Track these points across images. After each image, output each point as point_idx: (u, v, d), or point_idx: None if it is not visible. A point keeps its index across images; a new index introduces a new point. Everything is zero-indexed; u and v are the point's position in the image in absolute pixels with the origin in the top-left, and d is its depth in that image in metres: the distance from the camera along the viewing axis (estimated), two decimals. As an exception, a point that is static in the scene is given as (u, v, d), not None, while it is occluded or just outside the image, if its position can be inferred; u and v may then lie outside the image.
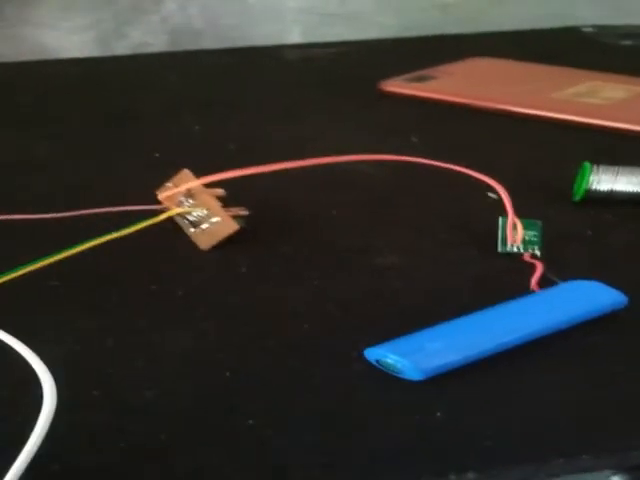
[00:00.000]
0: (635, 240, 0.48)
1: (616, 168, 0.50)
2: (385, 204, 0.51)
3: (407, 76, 0.70)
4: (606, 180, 0.50)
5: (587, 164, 0.50)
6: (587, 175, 0.50)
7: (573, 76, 0.70)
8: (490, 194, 0.46)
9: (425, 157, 0.49)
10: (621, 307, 0.40)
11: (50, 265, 0.41)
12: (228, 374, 0.36)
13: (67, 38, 0.85)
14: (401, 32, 0.87)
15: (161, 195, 0.47)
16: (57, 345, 0.38)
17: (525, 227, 0.46)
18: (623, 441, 0.33)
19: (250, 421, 0.34)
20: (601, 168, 0.50)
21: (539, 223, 0.47)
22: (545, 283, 0.42)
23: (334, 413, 0.34)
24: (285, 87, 0.71)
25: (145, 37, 0.86)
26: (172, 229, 0.47)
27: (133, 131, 0.63)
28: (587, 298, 0.40)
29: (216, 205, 0.46)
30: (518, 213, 0.46)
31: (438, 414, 0.34)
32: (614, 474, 0.33)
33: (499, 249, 0.45)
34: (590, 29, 0.87)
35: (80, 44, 0.85)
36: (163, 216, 0.46)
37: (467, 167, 0.48)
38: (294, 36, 0.89)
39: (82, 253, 0.42)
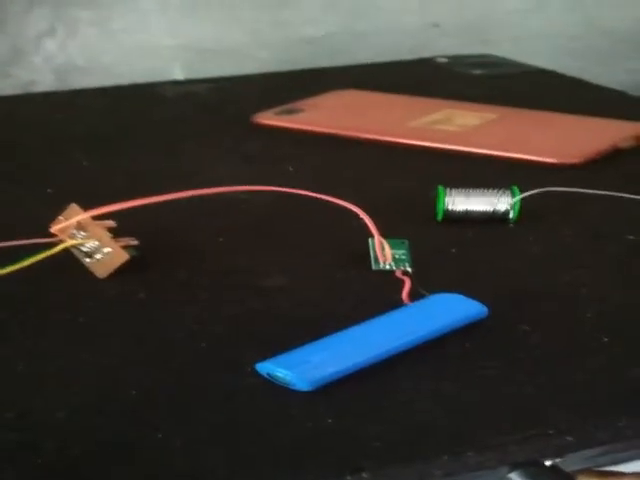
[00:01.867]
0: (493, 254, 0.50)
1: (468, 190, 0.53)
2: (267, 230, 0.53)
3: (278, 109, 0.72)
4: (460, 201, 0.52)
5: (441, 187, 0.53)
6: (442, 197, 0.52)
7: (429, 105, 0.73)
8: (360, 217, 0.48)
9: (299, 185, 0.51)
10: (483, 317, 0.42)
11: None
12: (134, 392, 0.37)
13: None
14: (275, 66, 0.88)
15: (54, 228, 0.48)
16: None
17: (393, 246, 0.48)
18: (503, 437, 0.35)
19: (159, 435, 0.35)
20: (454, 190, 0.53)
21: (406, 242, 0.49)
22: (415, 296, 0.44)
23: (232, 424, 0.36)
24: (166, 122, 0.72)
25: (31, 76, 0.86)
26: (69, 260, 0.47)
27: (22, 167, 0.63)
28: (453, 310, 0.42)
29: (106, 236, 0.47)
30: (387, 234, 0.48)
31: (329, 420, 0.36)
32: (511, 471, 0.35)
33: (373, 267, 0.47)
34: (444, 59, 0.90)
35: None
36: (59, 247, 0.46)
37: (337, 195, 0.50)
38: (174, 72, 0.89)
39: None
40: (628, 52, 1.05)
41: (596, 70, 0.98)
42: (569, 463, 0.36)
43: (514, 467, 0.35)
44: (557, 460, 0.36)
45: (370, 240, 0.48)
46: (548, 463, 0.36)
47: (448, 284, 0.45)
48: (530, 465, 0.35)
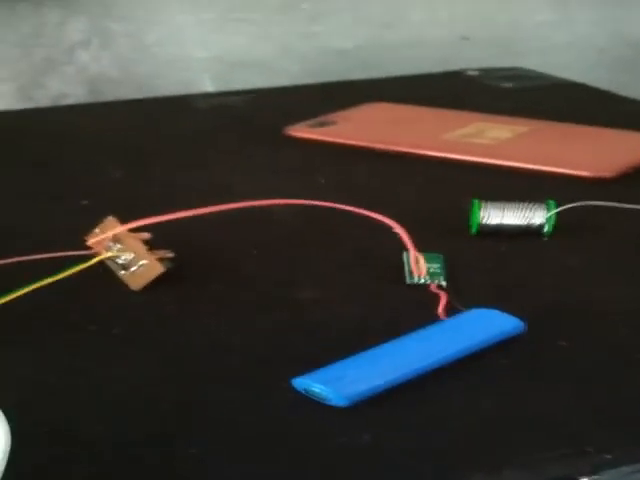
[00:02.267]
0: (528, 268, 0.49)
1: (502, 203, 0.52)
2: (300, 243, 0.53)
3: (310, 122, 0.71)
4: (494, 215, 0.52)
5: (476, 201, 0.52)
6: (477, 211, 0.52)
7: (461, 118, 0.72)
8: (394, 231, 0.48)
9: (332, 198, 0.50)
10: (520, 332, 0.42)
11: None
12: (166, 407, 0.37)
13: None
14: (305, 78, 0.88)
15: (90, 241, 0.47)
16: (4, 387, 0.38)
17: (428, 260, 0.47)
18: (539, 454, 0.34)
19: (192, 450, 0.34)
20: (489, 204, 0.52)
21: (441, 256, 0.48)
22: (451, 311, 0.44)
23: (268, 440, 0.35)
24: (198, 134, 0.72)
25: (63, 88, 0.86)
26: (103, 273, 0.47)
27: (55, 179, 0.63)
28: (490, 325, 0.42)
29: (142, 248, 0.47)
30: (421, 248, 0.48)
31: (365, 437, 0.35)
32: None
33: (407, 281, 0.47)
34: (474, 72, 0.89)
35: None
36: (94, 260, 0.46)
37: (370, 207, 0.49)
38: (204, 84, 0.89)
39: (19, 299, 0.42)
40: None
41: (624, 81, 0.98)
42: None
43: None
44: (594, 477, 0.35)
45: (405, 253, 0.48)
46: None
47: (483, 299, 0.44)
48: None
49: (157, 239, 0.47)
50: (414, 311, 0.44)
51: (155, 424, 0.36)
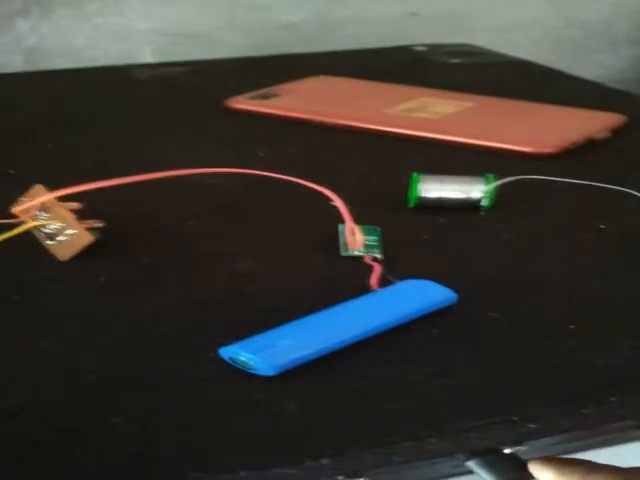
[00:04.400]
0: (465, 242, 0.50)
1: (442, 177, 0.52)
2: (237, 214, 0.52)
3: (252, 94, 0.71)
4: (434, 188, 0.52)
5: (415, 174, 0.52)
6: (416, 184, 0.52)
7: (406, 93, 0.72)
8: (332, 203, 0.48)
9: (271, 170, 0.50)
10: (452, 303, 0.42)
11: None
12: (94, 376, 0.37)
13: None
14: (248, 51, 0.88)
15: (16, 209, 0.47)
16: None
17: (365, 233, 0.47)
18: (466, 424, 0.35)
19: (115, 419, 0.34)
20: (428, 177, 0.52)
21: (378, 229, 0.48)
22: (384, 283, 0.44)
23: (193, 409, 0.35)
24: (137, 105, 0.71)
25: (0, 57, 0.85)
26: (29, 242, 0.46)
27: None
28: (422, 295, 0.42)
29: (71, 217, 0.46)
30: (360, 220, 0.48)
31: (291, 406, 0.35)
32: (468, 459, 0.35)
33: (342, 253, 0.47)
34: (422, 48, 0.89)
35: None
36: (20, 229, 0.46)
37: (310, 179, 0.49)
38: (145, 56, 0.89)
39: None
40: (602, 45, 1.05)
41: (570, 62, 0.99)
42: (529, 451, 0.36)
43: (472, 455, 0.35)
44: (517, 448, 0.35)
45: (340, 226, 0.48)
46: (507, 451, 0.35)
47: (419, 271, 0.45)
48: (487, 453, 0.35)
49: (88, 209, 0.47)
50: (348, 283, 0.44)
51: (78, 393, 0.36)
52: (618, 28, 1.06)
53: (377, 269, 0.44)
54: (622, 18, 1.06)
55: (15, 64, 0.85)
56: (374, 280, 0.44)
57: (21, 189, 0.47)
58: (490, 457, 0.35)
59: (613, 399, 0.36)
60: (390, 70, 0.80)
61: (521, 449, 0.36)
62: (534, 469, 0.34)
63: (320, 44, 0.91)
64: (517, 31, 1.01)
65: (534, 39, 1.02)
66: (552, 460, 0.35)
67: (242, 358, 0.37)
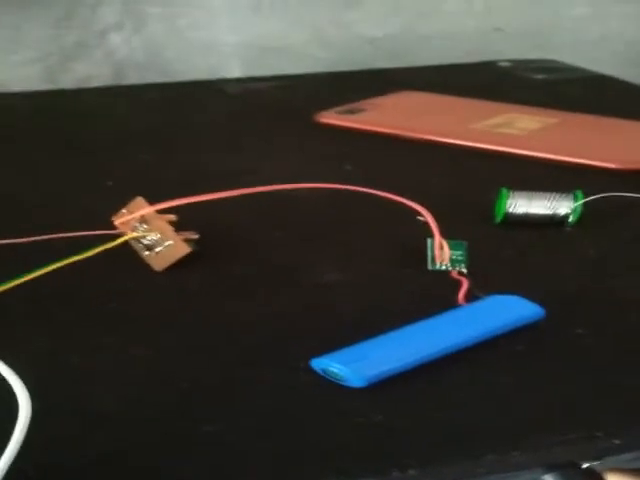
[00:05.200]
0: (550, 258, 0.50)
1: (530, 193, 0.53)
2: (326, 227, 0.53)
3: (340, 108, 0.72)
4: (521, 204, 0.52)
5: (504, 190, 0.53)
6: (504, 200, 0.52)
7: (491, 108, 0.73)
8: (419, 217, 0.48)
9: (357, 184, 0.51)
10: (540, 319, 0.42)
11: (13, 288, 0.42)
12: (185, 385, 0.38)
13: (15, 72, 0.85)
14: (334, 65, 0.89)
15: (117, 221, 0.48)
16: (29, 363, 0.38)
17: (451, 247, 0.48)
18: (548, 438, 0.35)
19: (212, 428, 0.35)
20: (516, 193, 0.53)
21: (464, 243, 0.49)
22: (471, 298, 0.44)
23: (282, 420, 0.36)
24: (227, 119, 0.73)
25: (90, 70, 0.87)
26: (128, 253, 0.48)
27: (85, 161, 0.64)
28: (509, 311, 0.42)
29: (169, 229, 0.48)
30: (445, 235, 0.48)
31: (379, 417, 0.36)
32: (545, 473, 0.35)
33: (429, 267, 0.48)
34: (506, 64, 0.90)
35: (27, 78, 0.85)
36: (120, 240, 0.47)
37: (397, 193, 0.50)
38: (233, 69, 0.90)
39: (44, 276, 0.43)
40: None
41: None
42: (605, 466, 0.36)
43: (549, 469, 0.35)
44: (594, 463, 0.36)
45: (429, 240, 0.48)
46: (585, 465, 0.36)
47: (505, 286, 0.45)
48: (564, 467, 0.35)
49: (183, 221, 0.48)
50: (435, 297, 0.45)
51: (173, 403, 0.37)
52: None
53: (464, 284, 0.45)
54: None
55: (105, 77, 0.87)
56: (461, 295, 0.44)
57: (119, 201, 0.49)
58: (567, 471, 0.35)
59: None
60: (474, 85, 0.81)
61: (597, 464, 0.36)
62: None
63: (404, 59, 0.92)
64: (601, 46, 1.01)
65: (618, 54, 1.01)
66: (629, 471, 0.35)
67: (333, 369, 0.38)
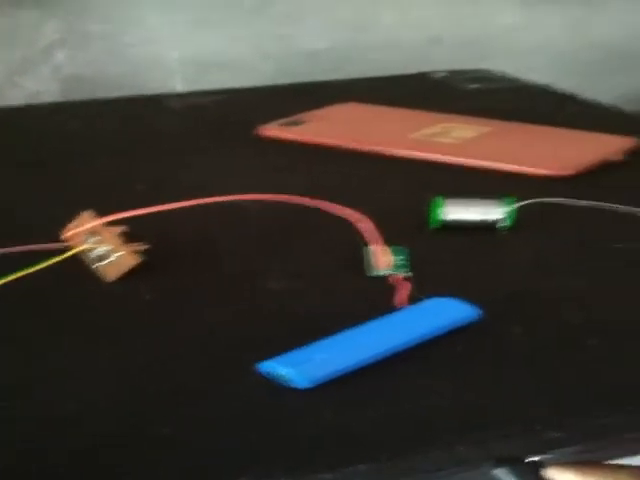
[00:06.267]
0: (486, 261, 0.52)
1: (464, 200, 0.55)
2: (270, 237, 0.55)
3: (282, 121, 0.74)
4: (456, 211, 0.54)
5: (439, 197, 0.55)
6: (438, 207, 0.54)
7: (427, 118, 0.74)
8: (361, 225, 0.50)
9: (300, 195, 0.53)
10: (476, 319, 0.44)
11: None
12: (138, 391, 0.39)
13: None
14: (276, 78, 0.90)
15: (66, 235, 0.50)
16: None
17: (393, 253, 0.50)
18: (491, 433, 0.37)
19: (165, 431, 0.36)
20: (451, 200, 0.55)
21: (406, 249, 0.51)
22: (412, 301, 0.46)
23: (232, 422, 0.37)
24: (171, 134, 0.74)
25: (38, 87, 0.88)
26: (79, 265, 0.49)
27: (35, 176, 0.65)
28: (447, 312, 0.44)
29: (117, 241, 0.49)
30: (386, 242, 0.50)
31: (327, 416, 0.37)
32: (493, 467, 0.37)
33: (372, 273, 0.49)
34: (441, 74, 0.91)
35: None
36: (70, 253, 0.48)
37: (338, 203, 0.51)
38: (176, 85, 0.91)
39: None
40: (622, 65, 1.07)
41: (590, 84, 1.00)
42: (557, 460, 0.38)
43: (498, 463, 0.37)
44: (544, 456, 0.37)
45: (367, 246, 0.50)
46: (531, 459, 0.37)
47: (443, 289, 0.47)
48: (511, 461, 0.37)
49: (135, 233, 0.49)
50: (377, 300, 0.46)
51: (127, 408, 0.38)
52: (635, 49, 1.08)
53: (405, 287, 0.47)
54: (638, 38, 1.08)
55: (53, 93, 0.88)
56: (402, 298, 0.46)
57: (69, 215, 0.50)
58: (514, 465, 0.37)
59: (631, 408, 0.39)
60: (411, 96, 0.82)
61: (546, 457, 0.37)
62: (554, 473, 0.36)
63: (345, 71, 0.94)
64: (538, 55, 1.04)
65: (555, 62, 1.04)
66: (572, 464, 0.37)
67: (280, 372, 0.39)
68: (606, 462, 0.40)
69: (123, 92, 0.86)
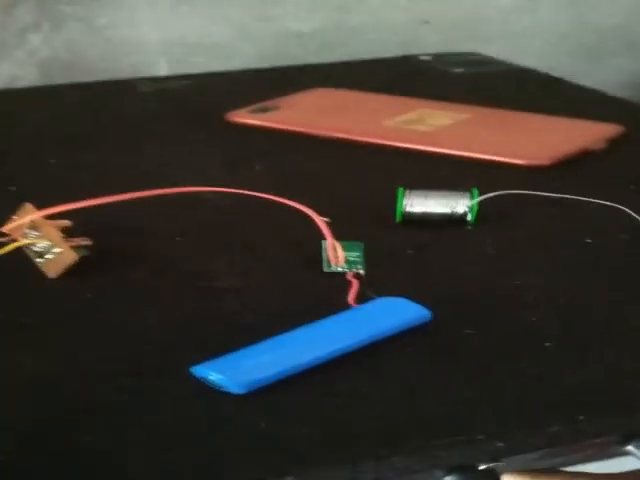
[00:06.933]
0: (448, 257, 0.50)
1: (426, 192, 0.52)
2: (224, 232, 0.53)
3: (253, 107, 0.71)
4: (418, 203, 0.52)
5: (400, 189, 0.52)
6: (401, 199, 0.52)
7: (405, 104, 0.72)
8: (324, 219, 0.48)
9: (264, 185, 0.51)
10: (426, 321, 0.42)
11: None
12: (71, 394, 0.38)
13: None
14: (262, 61, 0.88)
15: (6, 227, 0.48)
16: None
17: (347, 249, 0.48)
18: (432, 442, 0.35)
19: (89, 437, 0.35)
20: (413, 192, 0.52)
21: (361, 244, 0.49)
22: (363, 299, 0.44)
23: (164, 427, 0.35)
24: (138, 119, 0.72)
25: (15, 71, 0.86)
26: (21, 259, 0.47)
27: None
28: (396, 313, 0.42)
29: (57, 236, 0.47)
30: (346, 236, 0.48)
31: (262, 424, 0.36)
32: (444, 476, 0.35)
33: (324, 269, 0.47)
34: (427, 57, 0.89)
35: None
36: (9, 247, 0.46)
37: (299, 196, 0.49)
38: (159, 68, 0.89)
39: None
40: (617, 49, 1.04)
41: (585, 67, 0.98)
42: (510, 467, 0.36)
43: (449, 471, 0.35)
44: (494, 464, 0.36)
45: (323, 242, 0.48)
46: (483, 467, 0.35)
47: (400, 287, 0.45)
48: (462, 469, 0.35)
49: (81, 225, 0.48)
50: (329, 299, 0.44)
51: (52, 410, 0.36)
52: (636, 31, 1.06)
53: (355, 286, 0.45)
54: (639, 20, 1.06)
55: (31, 77, 0.86)
56: (352, 297, 0.44)
57: (20, 205, 0.48)
58: (465, 474, 0.35)
59: (582, 417, 0.37)
60: (392, 80, 0.80)
61: (497, 465, 0.36)
62: None
63: (331, 53, 0.92)
64: (532, 37, 1.01)
65: (549, 44, 1.01)
66: (528, 471, 0.35)
67: (211, 377, 0.37)
68: (562, 469, 0.39)
69: (104, 76, 0.84)
